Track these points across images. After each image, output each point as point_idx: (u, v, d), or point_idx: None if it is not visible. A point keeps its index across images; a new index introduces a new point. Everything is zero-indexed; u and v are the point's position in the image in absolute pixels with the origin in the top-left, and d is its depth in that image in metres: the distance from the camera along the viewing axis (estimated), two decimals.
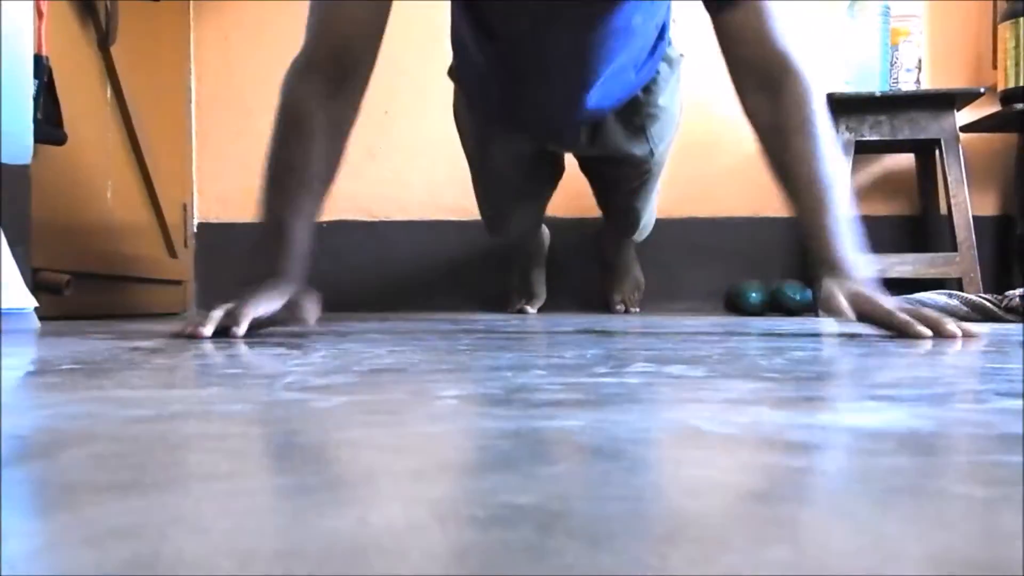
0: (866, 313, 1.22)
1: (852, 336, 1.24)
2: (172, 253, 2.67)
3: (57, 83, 1.85)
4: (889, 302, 1.23)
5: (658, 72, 1.96)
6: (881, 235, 2.67)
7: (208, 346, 1.05)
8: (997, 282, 2.55)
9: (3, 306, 1.48)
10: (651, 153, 2.04)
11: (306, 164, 1.36)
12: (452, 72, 2.06)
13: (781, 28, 1.35)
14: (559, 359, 0.86)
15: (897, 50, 2.43)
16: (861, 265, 1.30)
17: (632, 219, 2.27)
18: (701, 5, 1.37)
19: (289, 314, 1.26)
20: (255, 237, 1.36)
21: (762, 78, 1.36)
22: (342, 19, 1.37)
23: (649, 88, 1.97)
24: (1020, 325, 1.69)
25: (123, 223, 2.33)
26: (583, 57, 1.72)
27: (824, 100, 1.38)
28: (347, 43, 1.38)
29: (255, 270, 1.31)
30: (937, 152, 2.44)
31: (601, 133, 2.01)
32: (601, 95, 1.84)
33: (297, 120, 1.37)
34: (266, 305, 1.23)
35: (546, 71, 1.75)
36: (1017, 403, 0.53)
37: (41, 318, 1.61)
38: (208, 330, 1.17)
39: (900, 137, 2.40)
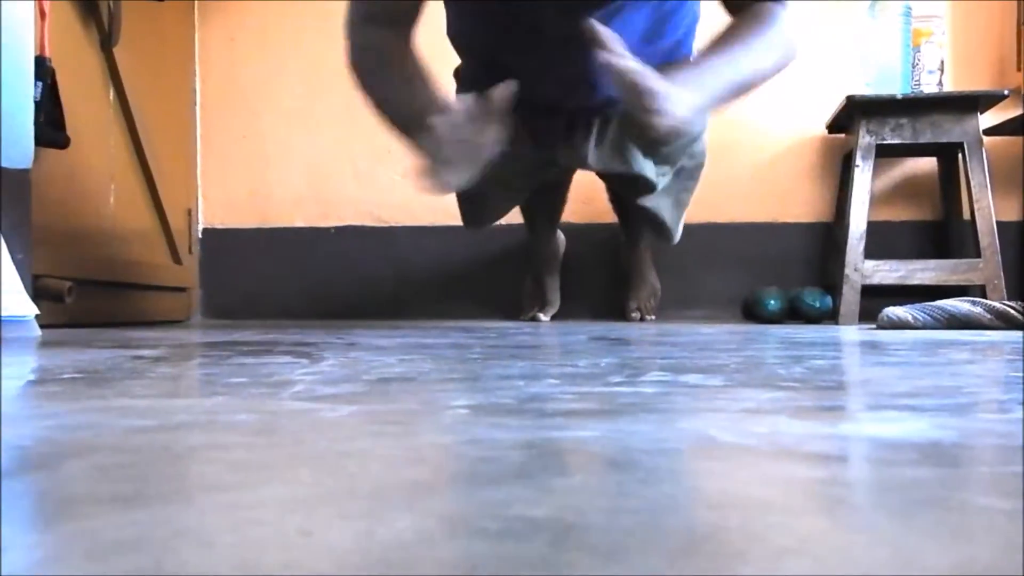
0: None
1: (873, 345, 1.24)
2: (176, 259, 2.67)
3: (59, 85, 1.86)
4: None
5: None
6: (902, 240, 2.67)
7: (212, 355, 1.05)
8: (1021, 289, 2.54)
9: (3, 314, 1.48)
10: (661, 160, 2.02)
11: (404, 65, 1.57)
12: (457, 73, 2.06)
13: None
14: (573, 368, 0.86)
15: (919, 51, 2.42)
16: (686, 87, 1.42)
17: (653, 216, 2.21)
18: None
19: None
20: (401, 119, 1.57)
21: (750, 15, 1.54)
22: None
23: None
24: None
25: (126, 228, 2.33)
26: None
27: (786, 45, 1.57)
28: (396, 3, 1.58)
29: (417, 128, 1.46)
30: (960, 156, 2.43)
31: (607, 143, 1.99)
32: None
33: (375, 49, 1.59)
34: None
35: (551, 64, 1.75)
36: None
37: (42, 326, 1.62)
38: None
39: (922, 140, 2.39)
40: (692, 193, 2.18)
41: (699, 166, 2.12)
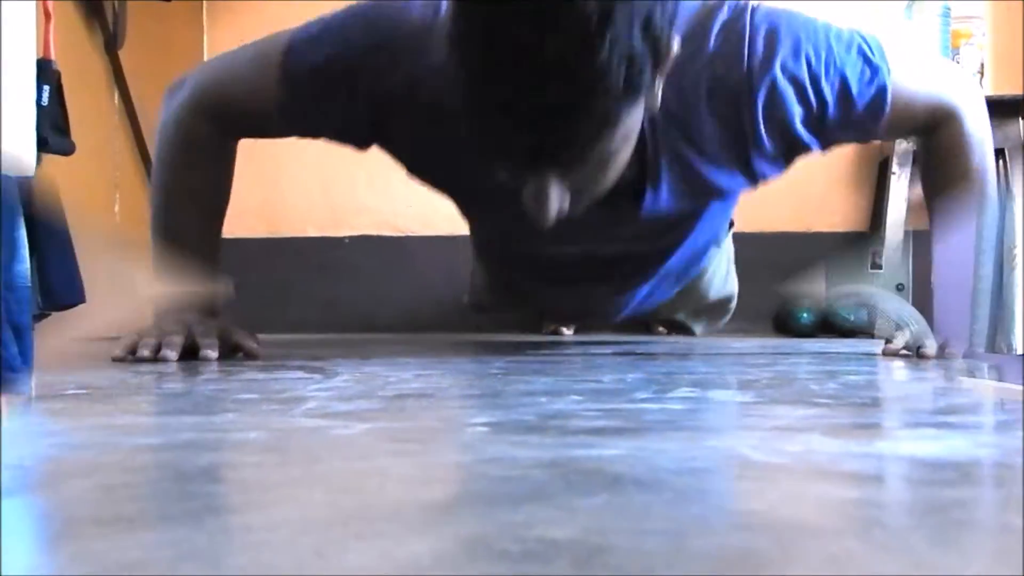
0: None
1: (910, 359, 1.23)
2: None
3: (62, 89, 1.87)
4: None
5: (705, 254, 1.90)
6: None
7: (221, 369, 1.05)
8: None
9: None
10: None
11: (209, 190, 1.48)
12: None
13: (923, 86, 1.31)
14: (597, 384, 0.86)
15: (958, 53, 2.42)
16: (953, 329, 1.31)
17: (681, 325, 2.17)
18: None
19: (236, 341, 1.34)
20: (163, 257, 1.39)
21: (918, 129, 1.39)
22: (248, 94, 1.42)
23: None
24: None
25: (131, 237, 2.34)
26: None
27: (983, 130, 1.36)
28: (243, 113, 1.45)
29: (174, 294, 1.35)
30: (1000, 163, 2.42)
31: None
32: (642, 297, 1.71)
33: (198, 146, 1.44)
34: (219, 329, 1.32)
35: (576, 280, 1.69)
36: None
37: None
38: (174, 354, 1.18)
39: None
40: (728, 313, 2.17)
41: (731, 297, 2.13)
